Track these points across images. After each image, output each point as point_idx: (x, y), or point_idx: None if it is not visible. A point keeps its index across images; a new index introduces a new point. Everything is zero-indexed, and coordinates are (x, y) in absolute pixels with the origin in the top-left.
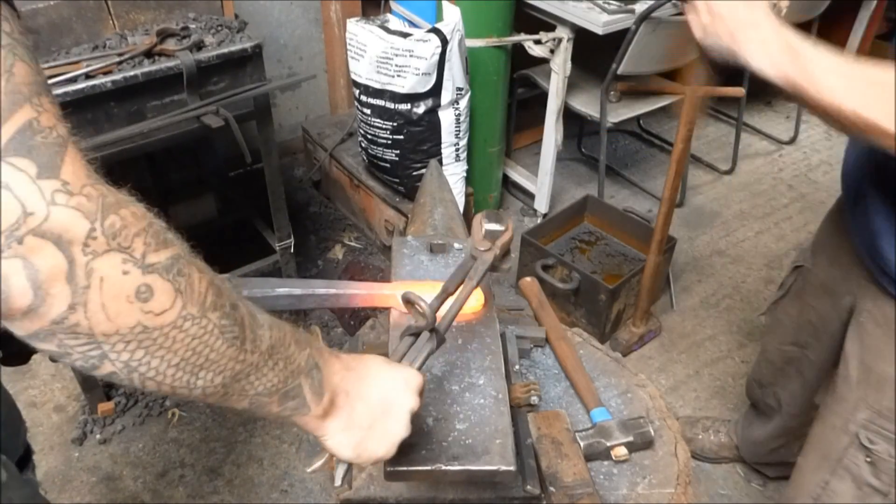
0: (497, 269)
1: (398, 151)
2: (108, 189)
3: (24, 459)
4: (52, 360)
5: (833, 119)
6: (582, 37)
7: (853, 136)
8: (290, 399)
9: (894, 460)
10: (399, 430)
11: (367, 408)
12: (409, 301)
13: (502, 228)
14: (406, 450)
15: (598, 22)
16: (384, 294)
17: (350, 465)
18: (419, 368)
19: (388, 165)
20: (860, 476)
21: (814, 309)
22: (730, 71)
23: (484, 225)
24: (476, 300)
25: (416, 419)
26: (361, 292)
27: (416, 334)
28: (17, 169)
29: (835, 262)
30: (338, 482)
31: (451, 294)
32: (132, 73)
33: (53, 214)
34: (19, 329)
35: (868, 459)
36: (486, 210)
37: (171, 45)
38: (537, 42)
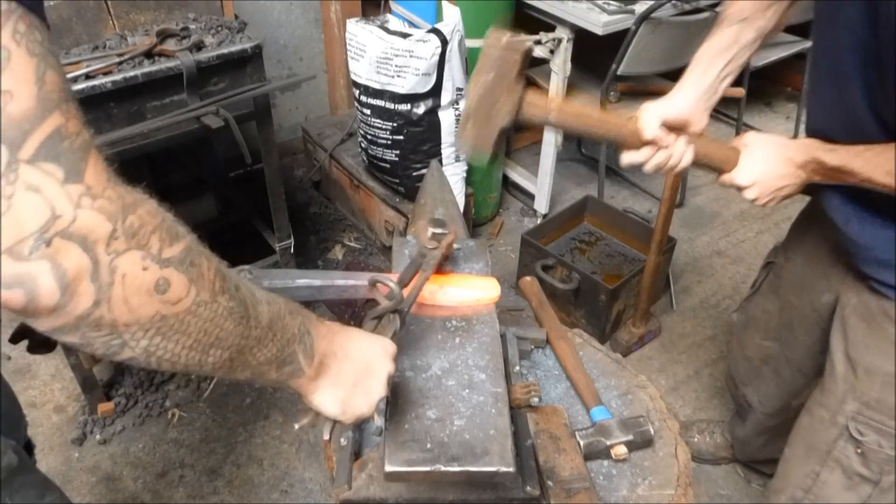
0: (442, 266)
1: (398, 152)
2: (127, 190)
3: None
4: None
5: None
6: (582, 37)
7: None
8: (286, 365)
9: (884, 450)
10: (379, 389)
11: (351, 367)
12: (377, 282)
13: (446, 232)
14: (405, 448)
15: (598, 22)
16: None
17: (335, 423)
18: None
19: (388, 166)
20: (850, 467)
21: (791, 305)
22: None
23: (430, 229)
24: (493, 289)
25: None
26: None
27: (381, 317)
28: (47, 174)
29: (812, 259)
30: (325, 436)
31: (407, 285)
32: (132, 74)
33: (79, 217)
34: (43, 325)
35: (858, 451)
36: (432, 218)
37: (170, 45)
38: (537, 42)
